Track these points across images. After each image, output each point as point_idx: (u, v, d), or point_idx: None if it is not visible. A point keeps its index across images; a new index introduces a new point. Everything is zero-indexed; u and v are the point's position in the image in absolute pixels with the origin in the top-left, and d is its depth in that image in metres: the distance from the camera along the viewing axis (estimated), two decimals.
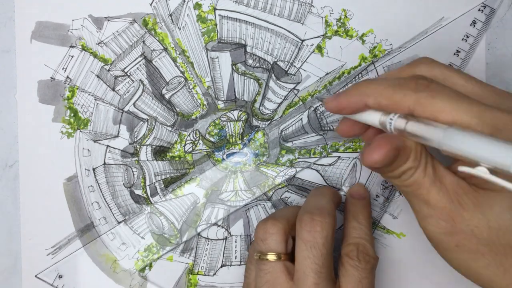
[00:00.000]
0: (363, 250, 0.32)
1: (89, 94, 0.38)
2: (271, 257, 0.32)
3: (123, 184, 0.38)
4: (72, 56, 0.38)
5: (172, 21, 0.38)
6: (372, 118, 0.28)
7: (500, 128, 0.24)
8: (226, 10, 0.38)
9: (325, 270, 0.31)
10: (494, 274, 0.26)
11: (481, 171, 0.21)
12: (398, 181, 0.27)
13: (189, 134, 0.38)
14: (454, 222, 0.25)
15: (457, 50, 0.37)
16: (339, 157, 0.38)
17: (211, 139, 0.38)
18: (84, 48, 0.38)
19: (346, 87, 0.37)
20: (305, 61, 0.38)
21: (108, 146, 0.38)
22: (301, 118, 0.37)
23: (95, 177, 0.38)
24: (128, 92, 0.38)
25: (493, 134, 0.23)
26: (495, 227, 0.25)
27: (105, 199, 0.38)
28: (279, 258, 0.32)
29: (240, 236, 0.38)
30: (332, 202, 0.34)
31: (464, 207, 0.25)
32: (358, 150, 0.37)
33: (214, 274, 0.38)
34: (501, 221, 0.25)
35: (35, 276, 0.38)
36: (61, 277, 0.38)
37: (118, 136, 0.38)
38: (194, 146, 0.38)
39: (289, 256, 0.32)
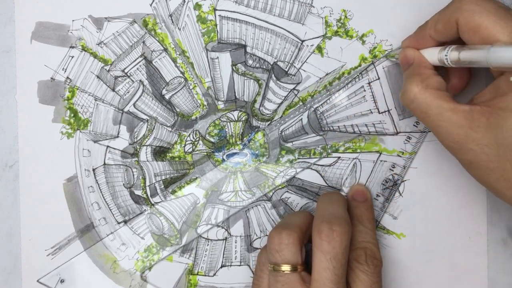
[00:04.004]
0: (371, 254, 0.32)
1: (89, 95, 0.38)
2: (288, 268, 0.31)
3: (123, 184, 0.38)
4: (72, 57, 0.38)
5: (172, 22, 0.38)
6: (432, 56, 0.32)
7: None
8: (226, 10, 0.38)
9: (343, 280, 0.31)
10: (504, 188, 0.28)
11: None
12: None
13: (189, 134, 0.38)
14: (464, 143, 0.28)
15: None
16: (339, 157, 0.38)
17: (211, 139, 0.38)
18: (84, 49, 0.38)
19: (346, 87, 0.37)
20: (305, 61, 0.38)
21: (108, 146, 0.38)
22: (301, 119, 0.37)
23: (95, 178, 0.38)
24: (128, 92, 0.38)
25: None
26: (503, 144, 0.27)
27: (105, 199, 0.38)
28: (295, 270, 0.31)
29: (240, 236, 0.38)
30: (346, 208, 0.34)
31: (475, 129, 0.28)
32: (358, 151, 0.37)
33: (214, 274, 0.38)
34: (509, 139, 0.27)
35: (37, 281, 0.38)
36: (63, 282, 0.38)
37: (118, 136, 0.38)
38: (194, 147, 0.38)
39: (304, 265, 0.32)
